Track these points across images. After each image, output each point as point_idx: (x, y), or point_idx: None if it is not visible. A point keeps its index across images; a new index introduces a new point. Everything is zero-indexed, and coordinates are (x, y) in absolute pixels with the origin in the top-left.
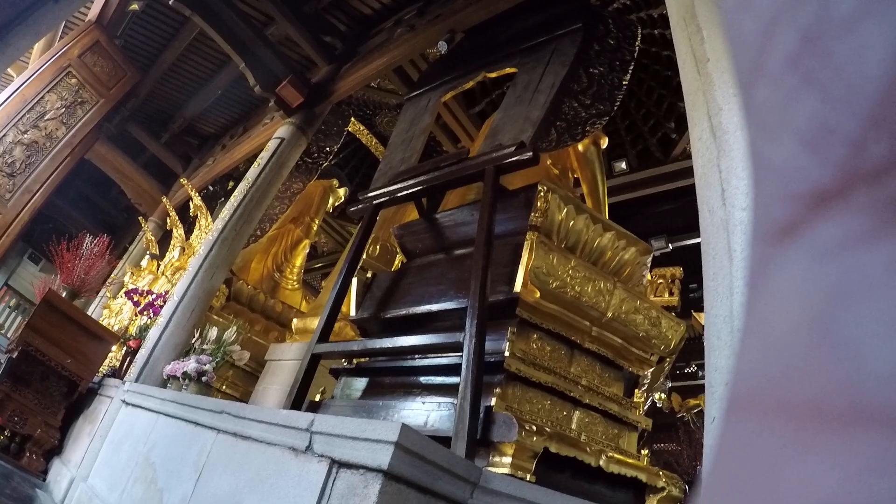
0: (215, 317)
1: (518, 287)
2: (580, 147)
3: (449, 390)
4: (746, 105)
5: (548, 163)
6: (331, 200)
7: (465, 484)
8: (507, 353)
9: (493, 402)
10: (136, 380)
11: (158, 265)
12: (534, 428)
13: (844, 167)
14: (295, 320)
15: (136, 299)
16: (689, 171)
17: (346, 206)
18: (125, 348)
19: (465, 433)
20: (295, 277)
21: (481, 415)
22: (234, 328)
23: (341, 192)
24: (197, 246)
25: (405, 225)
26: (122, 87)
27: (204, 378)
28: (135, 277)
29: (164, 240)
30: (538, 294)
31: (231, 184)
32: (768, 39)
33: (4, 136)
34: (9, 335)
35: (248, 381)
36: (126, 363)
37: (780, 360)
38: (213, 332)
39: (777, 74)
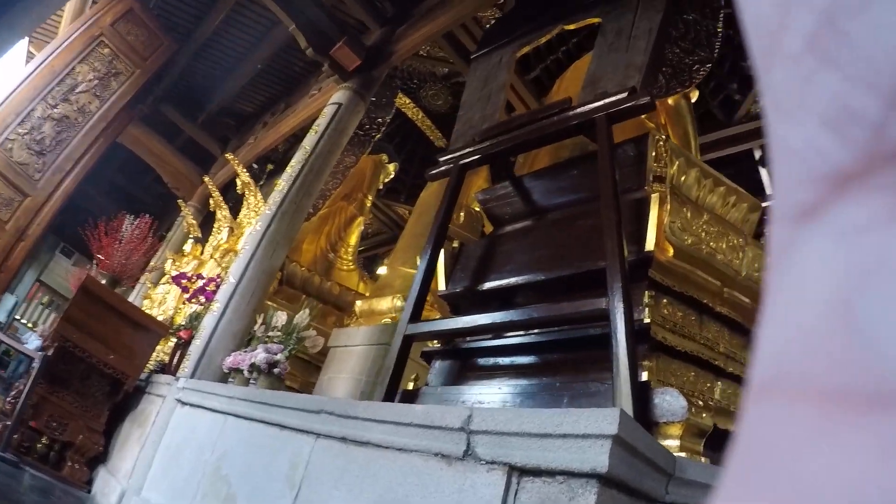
0: (269, 302)
1: (650, 245)
2: (670, 101)
3: (575, 367)
4: (765, 87)
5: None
6: (381, 176)
7: (662, 477)
8: (647, 320)
9: (644, 376)
10: (192, 375)
11: (202, 249)
12: (700, 403)
13: (865, 148)
14: (359, 302)
15: (184, 285)
16: (753, 133)
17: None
18: (175, 340)
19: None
20: (350, 257)
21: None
22: (307, 310)
23: (391, 167)
24: (246, 225)
25: (490, 189)
26: (158, 56)
27: (276, 370)
28: (177, 264)
29: (204, 224)
30: (671, 252)
31: (270, 166)
32: (784, 20)
33: (32, 110)
34: (43, 333)
35: (307, 371)
36: (177, 357)
37: (803, 343)
38: (280, 317)
39: (795, 55)
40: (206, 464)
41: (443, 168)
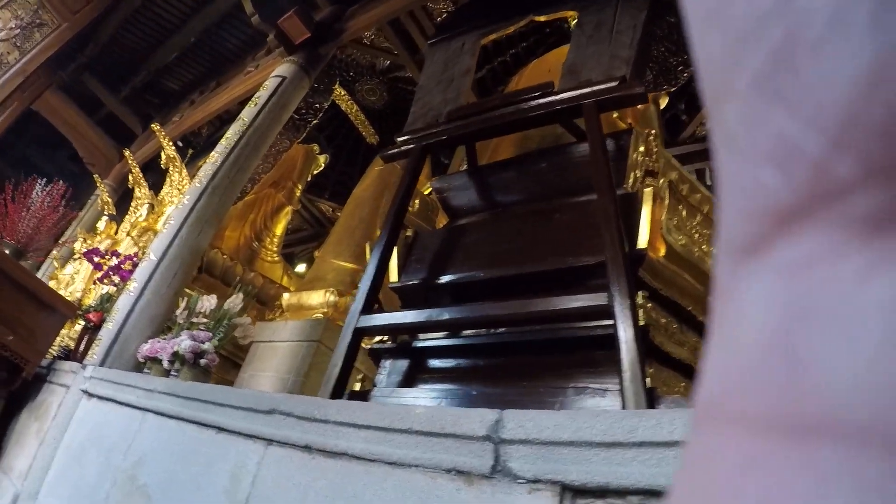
0: (186, 290)
1: (642, 242)
2: (639, 105)
3: (556, 371)
4: (715, 123)
5: (614, 116)
6: (311, 167)
7: None
8: (642, 322)
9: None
10: (102, 363)
11: (117, 229)
12: None
13: (809, 185)
14: (286, 296)
15: (97, 261)
16: (698, 155)
17: (383, 150)
18: (82, 323)
19: None
20: (275, 248)
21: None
22: (240, 294)
23: (321, 159)
24: (168, 204)
25: (447, 177)
26: (88, 12)
27: (203, 361)
28: (90, 242)
29: (120, 205)
30: (662, 252)
31: (190, 151)
32: (736, 56)
33: None
34: None
35: (224, 368)
36: (84, 342)
37: (742, 371)
38: (208, 301)
39: (745, 93)
40: (118, 470)
41: (403, 148)
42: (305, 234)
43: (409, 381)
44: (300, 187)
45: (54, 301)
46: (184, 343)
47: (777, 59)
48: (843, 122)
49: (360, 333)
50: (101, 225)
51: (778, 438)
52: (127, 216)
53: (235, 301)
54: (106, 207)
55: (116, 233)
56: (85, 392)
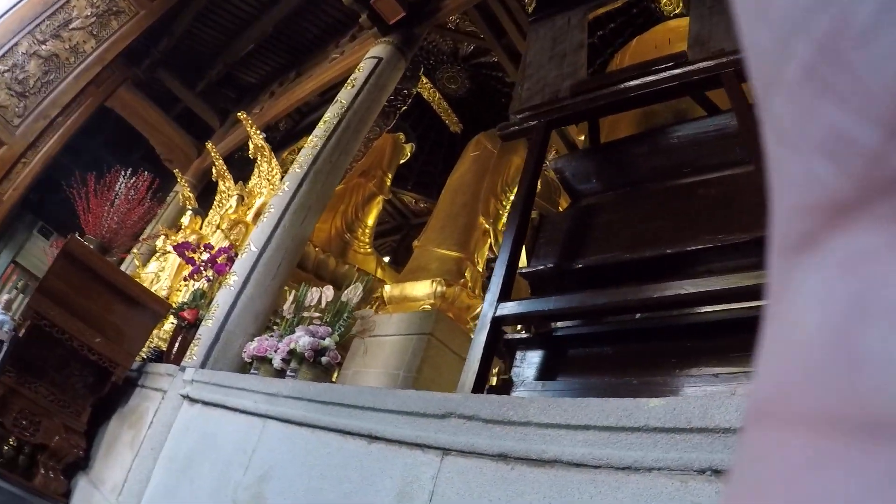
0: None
1: None
2: None
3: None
4: (766, 115)
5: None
6: (399, 156)
7: None
8: None
9: None
10: (203, 365)
11: (202, 223)
12: None
13: (864, 178)
14: (387, 287)
15: (189, 256)
16: None
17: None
18: (175, 322)
19: None
20: (367, 239)
21: None
22: (359, 284)
23: (408, 147)
24: (257, 195)
25: (569, 156)
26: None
27: (325, 358)
28: (172, 239)
29: (199, 200)
30: None
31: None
32: (785, 48)
33: (16, 45)
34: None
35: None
36: (178, 343)
37: (801, 370)
38: (326, 293)
39: (794, 85)
40: (239, 487)
41: (524, 126)
42: (388, 226)
43: (549, 372)
44: (390, 176)
45: (145, 299)
46: (302, 340)
47: (825, 50)
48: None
49: (499, 322)
50: (185, 220)
51: (840, 438)
52: (211, 210)
53: (355, 292)
54: (188, 203)
55: (201, 227)
56: (186, 397)
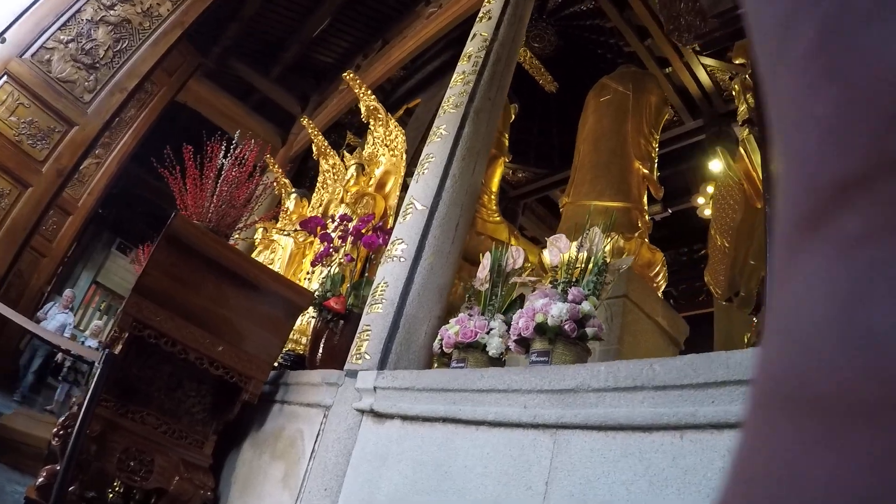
0: None
1: None
2: None
3: None
4: (770, 94)
5: None
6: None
7: None
8: None
9: None
10: (382, 365)
11: (308, 205)
12: None
13: (868, 157)
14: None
15: (323, 232)
16: None
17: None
18: (320, 315)
19: None
20: (494, 206)
21: None
22: (597, 228)
23: (512, 108)
24: (375, 165)
25: None
26: None
27: (590, 329)
28: (269, 233)
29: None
30: None
31: (351, 137)
32: (790, 28)
33: (79, 12)
34: (96, 331)
35: (570, 346)
36: (325, 340)
37: (806, 352)
38: (561, 244)
39: (799, 64)
40: None
41: None
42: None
43: None
44: (507, 135)
45: (279, 287)
46: (555, 307)
47: (830, 30)
48: None
49: None
50: (289, 204)
51: (845, 417)
52: (315, 194)
53: (598, 237)
54: (285, 189)
55: (308, 208)
56: (370, 412)
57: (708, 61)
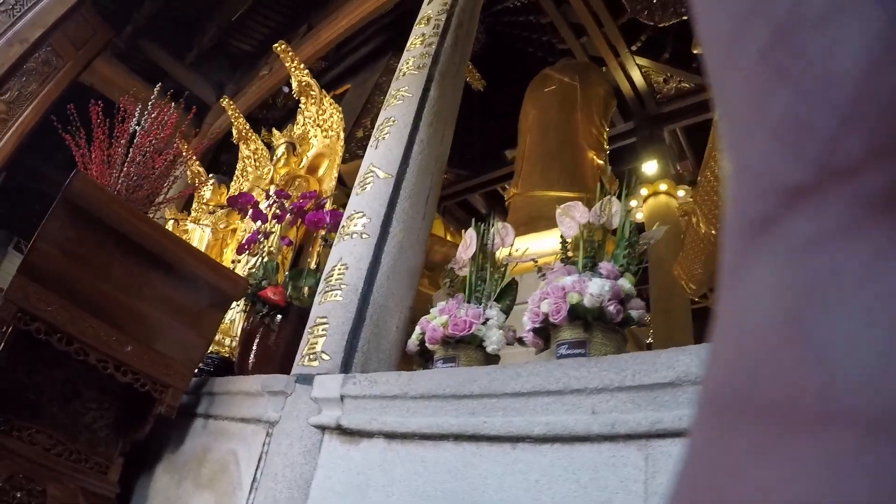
0: None
1: None
2: None
3: None
4: (720, 99)
5: None
6: None
7: None
8: None
9: None
10: (346, 367)
11: (227, 192)
12: None
13: (818, 162)
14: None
15: (252, 211)
16: None
17: None
18: (252, 308)
19: None
20: None
21: None
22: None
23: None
24: (309, 146)
25: None
26: None
27: (635, 312)
28: (182, 225)
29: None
30: None
31: (266, 134)
32: (741, 32)
33: None
34: None
35: (611, 334)
36: (259, 339)
37: (753, 358)
38: (579, 211)
39: (750, 68)
40: None
41: None
42: None
43: None
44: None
45: (206, 272)
46: (593, 284)
47: (782, 34)
48: (850, 99)
49: None
50: (205, 193)
51: (792, 425)
52: (234, 181)
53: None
54: (197, 178)
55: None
56: (337, 429)
57: (643, 62)
